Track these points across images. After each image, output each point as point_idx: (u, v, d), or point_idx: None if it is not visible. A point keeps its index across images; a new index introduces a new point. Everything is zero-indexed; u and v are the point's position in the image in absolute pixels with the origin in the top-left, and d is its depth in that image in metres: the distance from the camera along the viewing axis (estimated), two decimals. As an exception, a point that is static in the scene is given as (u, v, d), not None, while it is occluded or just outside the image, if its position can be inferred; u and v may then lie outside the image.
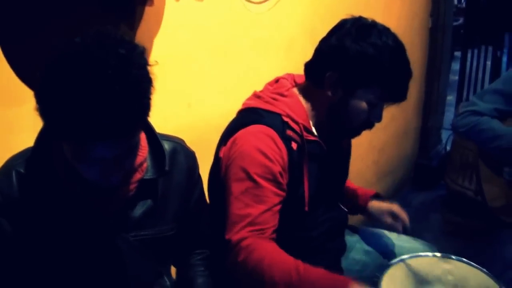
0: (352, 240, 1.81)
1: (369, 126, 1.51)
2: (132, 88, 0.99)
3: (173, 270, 1.53)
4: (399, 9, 3.30)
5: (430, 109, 4.05)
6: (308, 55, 1.53)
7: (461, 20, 4.74)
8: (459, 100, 4.61)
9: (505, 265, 2.74)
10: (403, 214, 1.73)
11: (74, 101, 0.95)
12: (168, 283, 1.41)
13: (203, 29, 1.83)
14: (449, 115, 4.50)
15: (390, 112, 3.43)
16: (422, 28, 3.71)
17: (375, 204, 1.77)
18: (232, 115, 1.58)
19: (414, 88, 3.77)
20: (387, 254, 1.75)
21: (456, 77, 4.71)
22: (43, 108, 1.01)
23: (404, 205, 3.80)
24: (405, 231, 1.72)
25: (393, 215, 1.72)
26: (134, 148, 1.13)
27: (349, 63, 1.39)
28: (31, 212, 1.17)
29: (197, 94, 1.86)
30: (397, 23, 3.28)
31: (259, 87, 1.63)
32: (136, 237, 1.25)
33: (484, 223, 2.63)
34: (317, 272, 1.23)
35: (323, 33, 1.58)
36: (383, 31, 1.43)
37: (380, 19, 3.04)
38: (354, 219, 1.89)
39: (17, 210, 1.16)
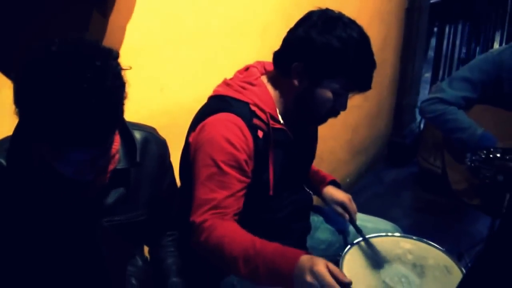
0: (319, 220, 1.89)
1: (335, 114, 1.56)
2: (107, 99, 1.04)
3: (146, 248, 1.60)
4: (376, -10, 3.31)
5: (405, 88, 4.10)
6: (283, 39, 1.56)
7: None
8: (434, 78, 4.68)
9: (473, 242, 2.86)
10: (352, 207, 1.78)
11: (51, 112, 1.00)
12: (140, 262, 1.50)
13: (176, 15, 1.85)
14: (425, 92, 4.53)
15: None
16: (398, 8, 3.75)
17: (329, 191, 1.83)
18: (205, 99, 1.61)
19: (389, 68, 3.82)
20: (347, 233, 1.84)
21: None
22: (21, 114, 1.05)
23: (376, 181, 3.90)
24: (351, 222, 1.77)
25: (343, 206, 1.78)
26: (108, 148, 1.19)
27: (314, 55, 1.44)
28: (9, 200, 1.22)
29: (170, 79, 1.89)
30: (374, 4, 3.32)
31: (233, 71, 1.66)
32: (109, 222, 1.31)
33: (453, 201, 2.72)
34: (272, 246, 1.31)
35: (298, 17, 1.60)
36: (349, 24, 1.46)
37: (356, 1, 3.07)
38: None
39: None
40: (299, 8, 2.47)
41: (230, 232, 1.36)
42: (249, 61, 1.70)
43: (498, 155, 2.10)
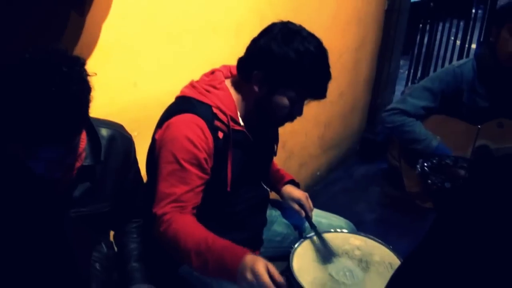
0: (276, 214, 2.02)
1: (291, 119, 1.67)
2: (73, 102, 1.16)
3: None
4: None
5: (380, 86, 4.20)
6: (257, 39, 1.64)
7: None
8: (410, 77, 4.80)
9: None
10: (308, 204, 1.91)
11: (22, 113, 1.12)
12: (105, 249, 1.61)
13: (151, 14, 1.92)
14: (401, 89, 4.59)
15: (339, 89, 3.56)
16: (378, 10, 3.83)
17: (287, 189, 1.96)
18: (177, 93, 1.70)
19: (365, 67, 3.91)
20: (303, 229, 1.97)
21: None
22: None
23: (346, 176, 4.00)
24: (307, 218, 1.90)
25: (300, 203, 1.90)
26: (75, 147, 1.30)
27: (273, 65, 1.55)
28: None
29: (144, 74, 1.98)
30: (352, 6, 3.38)
31: (206, 68, 1.75)
32: (76, 213, 1.43)
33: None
34: (222, 243, 1.44)
35: (272, 16, 1.68)
36: (307, 37, 1.57)
37: (335, 2, 3.14)
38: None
39: None
40: (273, 8, 2.57)
41: (186, 226, 1.49)
42: (223, 58, 1.76)
43: (450, 162, 2.23)
